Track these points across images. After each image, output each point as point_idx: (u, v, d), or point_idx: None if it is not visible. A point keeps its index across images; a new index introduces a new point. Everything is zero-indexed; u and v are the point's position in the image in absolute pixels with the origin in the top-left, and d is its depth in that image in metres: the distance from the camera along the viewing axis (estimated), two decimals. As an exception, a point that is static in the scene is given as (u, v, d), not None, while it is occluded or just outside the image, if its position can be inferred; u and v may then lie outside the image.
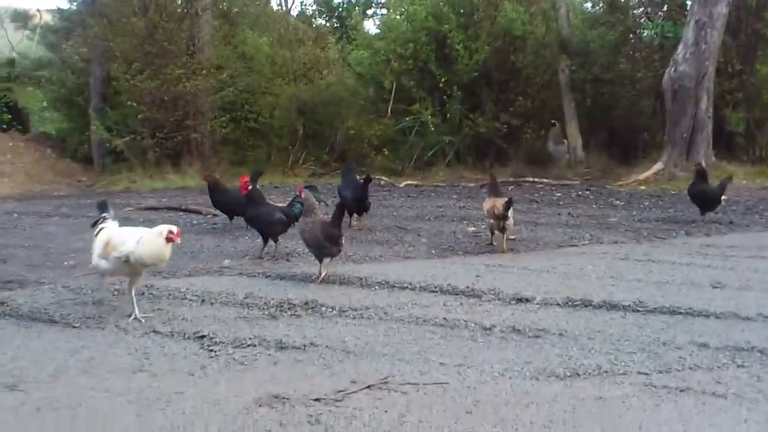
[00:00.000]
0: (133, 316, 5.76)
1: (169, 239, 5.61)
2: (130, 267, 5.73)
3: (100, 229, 6.07)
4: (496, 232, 8.44)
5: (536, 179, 14.88)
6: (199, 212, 11.53)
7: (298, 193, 7.68)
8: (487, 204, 8.45)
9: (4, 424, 4.02)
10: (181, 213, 11.81)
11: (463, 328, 5.67)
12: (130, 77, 15.89)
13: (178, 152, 16.80)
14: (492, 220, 8.31)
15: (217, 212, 10.49)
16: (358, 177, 10.35)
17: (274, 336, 5.42)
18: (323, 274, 7.07)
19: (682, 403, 4.30)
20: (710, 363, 4.92)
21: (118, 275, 6.10)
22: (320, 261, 7.14)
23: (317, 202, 7.57)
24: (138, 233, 5.82)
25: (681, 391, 4.48)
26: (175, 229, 5.64)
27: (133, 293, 5.89)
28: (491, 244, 8.77)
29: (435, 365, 4.89)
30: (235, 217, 9.91)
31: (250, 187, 8.22)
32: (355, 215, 10.03)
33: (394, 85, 17.24)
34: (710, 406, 4.26)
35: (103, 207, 6.31)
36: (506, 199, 8.21)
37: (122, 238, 5.76)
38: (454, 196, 13.00)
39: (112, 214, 6.22)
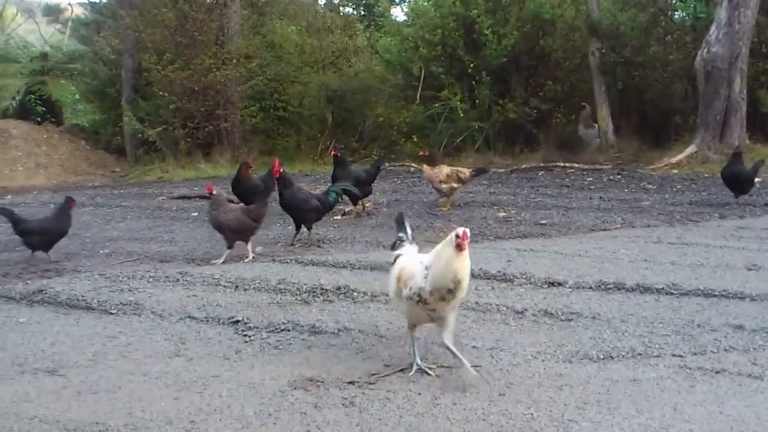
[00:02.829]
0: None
1: (458, 247, 4.08)
2: (428, 309, 4.27)
3: (396, 257, 4.70)
4: (448, 196, 10.13)
5: (567, 164, 14.74)
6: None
7: (207, 192, 7.83)
8: (444, 170, 10.03)
9: (45, 408, 4.12)
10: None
11: (495, 312, 5.68)
12: (162, 68, 16.02)
13: (209, 142, 16.91)
14: (454, 184, 10.02)
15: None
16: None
17: (308, 321, 5.47)
18: (252, 253, 7.56)
19: (717, 385, 4.27)
20: (746, 345, 4.87)
21: (420, 323, 4.51)
22: (246, 242, 7.57)
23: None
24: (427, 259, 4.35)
25: (716, 372, 4.45)
26: (461, 231, 4.10)
27: (449, 343, 4.38)
28: (438, 206, 10.24)
29: (468, 348, 4.90)
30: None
31: (282, 170, 8.24)
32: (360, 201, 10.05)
33: (423, 71, 17.16)
34: (746, 387, 4.23)
35: (400, 224, 5.01)
36: (479, 167, 10.64)
37: (412, 270, 4.34)
38: (484, 182, 12.93)
39: (410, 235, 4.91)
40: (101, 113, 19.72)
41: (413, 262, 4.39)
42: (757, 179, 10.74)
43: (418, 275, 4.23)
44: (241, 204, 8.63)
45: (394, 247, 4.89)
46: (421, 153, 10.92)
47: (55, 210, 8.30)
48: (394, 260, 4.69)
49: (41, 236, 7.79)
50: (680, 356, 4.70)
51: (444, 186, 10.06)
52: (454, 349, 4.36)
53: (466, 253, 4.09)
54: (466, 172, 10.16)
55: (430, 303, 4.20)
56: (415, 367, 4.48)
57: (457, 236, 4.06)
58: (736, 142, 13.59)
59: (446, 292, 4.12)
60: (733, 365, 4.54)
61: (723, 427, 3.72)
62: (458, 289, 4.12)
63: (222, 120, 16.75)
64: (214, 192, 7.67)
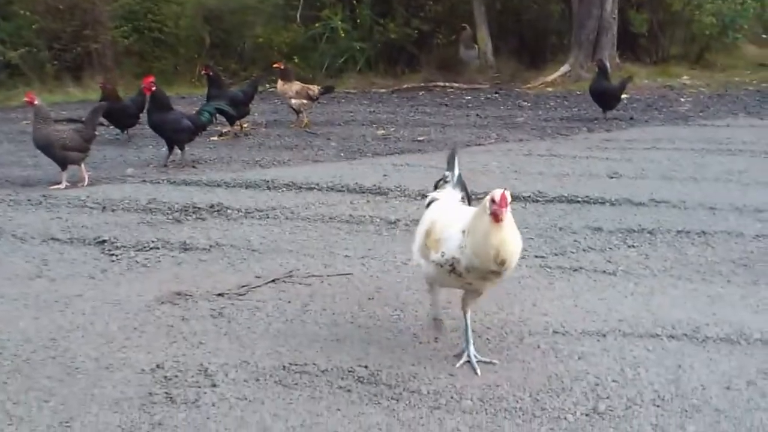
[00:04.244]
0: (464, 358, 3.45)
1: (494, 216, 3.00)
2: (463, 281, 3.30)
3: (431, 201, 3.72)
4: (298, 112, 10.34)
5: (447, 83, 14.89)
6: (101, 124, 11.06)
7: (27, 101, 7.20)
8: (294, 86, 10.18)
9: None
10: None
11: (368, 224, 5.74)
12: (22, -15, 14.91)
13: (79, 65, 15.98)
14: (304, 100, 10.19)
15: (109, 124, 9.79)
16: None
17: (178, 238, 5.36)
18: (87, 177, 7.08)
19: (574, 281, 4.51)
20: (602, 245, 5.15)
21: (450, 287, 3.54)
22: (79, 165, 7.09)
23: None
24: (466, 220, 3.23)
25: (574, 270, 4.69)
26: (498, 194, 3.00)
27: (467, 318, 3.54)
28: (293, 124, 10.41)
29: (340, 258, 4.96)
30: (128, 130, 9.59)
31: (154, 89, 7.86)
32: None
33: (303, -10, 16.74)
34: (600, 282, 4.48)
35: (450, 159, 3.86)
36: (327, 86, 10.74)
37: (448, 230, 3.26)
38: (365, 102, 12.91)
39: (457, 176, 3.76)
40: (-44, 34, 18.19)
41: (450, 219, 3.31)
42: (624, 95, 11.18)
43: (453, 241, 3.17)
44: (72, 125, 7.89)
45: (436, 186, 3.87)
46: (275, 66, 10.75)
47: None
48: (428, 204, 3.70)
49: None
50: (542, 257, 4.92)
51: (294, 102, 10.22)
52: (469, 326, 3.51)
53: (507, 223, 3.02)
54: (315, 89, 10.36)
55: (466, 278, 3.22)
56: (429, 318, 3.78)
57: (493, 201, 2.99)
58: (605, 61, 14.07)
59: (489, 273, 3.12)
60: (590, 263, 4.80)
61: (576, 318, 3.94)
62: (505, 269, 3.10)
63: (91, 41, 15.81)
64: (36, 102, 7.04)
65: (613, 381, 3.24)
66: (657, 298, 4.18)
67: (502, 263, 3.05)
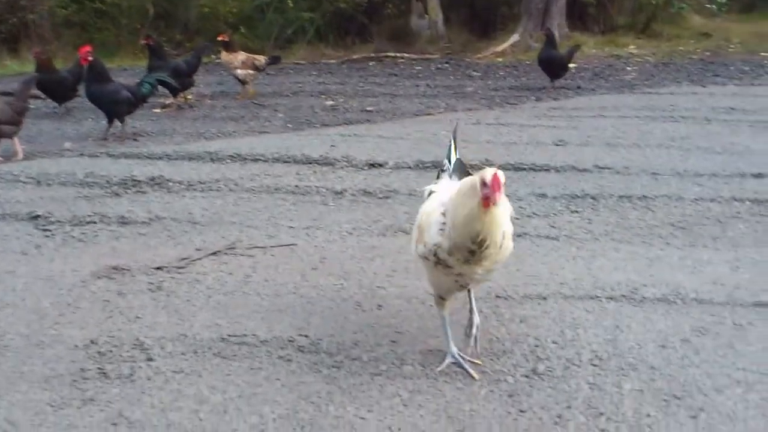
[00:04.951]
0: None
1: (485, 200, 2.60)
2: (453, 274, 2.89)
3: (430, 193, 3.23)
4: (243, 82, 10.22)
5: (397, 54, 14.81)
6: (37, 96, 10.71)
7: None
8: (239, 56, 10.08)
9: None
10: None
11: (314, 194, 5.67)
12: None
13: (15, 36, 15.48)
14: (250, 71, 10.09)
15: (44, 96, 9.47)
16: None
17: (117, 212, 5.22)
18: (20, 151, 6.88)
19: (517, 247, 4.43)
20: (546, 210, 5.18)
21: (450, 292, 3.08)
22: (12, 138, 6.83)
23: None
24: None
25: (518, 236, 4.63)
26: (489, 175, 2.58)
27: (475, 316, 3.19)
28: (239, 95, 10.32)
29: (284, 229, 4.89)
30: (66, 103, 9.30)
31: (91, 59, 7.60)
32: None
33: (250, -42, 16.40)
34: (543, 247, 4.50)
35: (452, 142, 3.44)
36: (273, 55, 10.83)
37: (428, 219, 2.93)
38: (314, 73, 12.77)
39: (454, 163, 3.31)
40: None
41: (432, 206, 2.98)
42: (572, 64, 11.24)
43: (434, 226, 2.85)
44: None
45: (438, 176, 3.37)
46: (219, 38, 10.53)
47: None
48: (429, 194, 3.23)
49: None
50: (486, 224, 4.91)
51: (240, 72, 10.09)
52: (476, 325, 3.16)
53: (497, 209, 2.66)
54: (261, 59, 10.27)
55: (453, 266, 2.83)
56: (448, 359, 3.08)
57: (484, 183, 2.59)
58: (554, 30, 14.12)
59: (467, 252, 2.74)
60: (533, 229, 4.82)
61: (518, 283, 3.94)
62: (484, 248, 2.72)
63: (27, 12, 15.30)
64: None
65: (553, 342, 3.26)
66: (598, 262, 4.21)
67: (482, 242, 2.68)
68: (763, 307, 3.57)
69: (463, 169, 3.28)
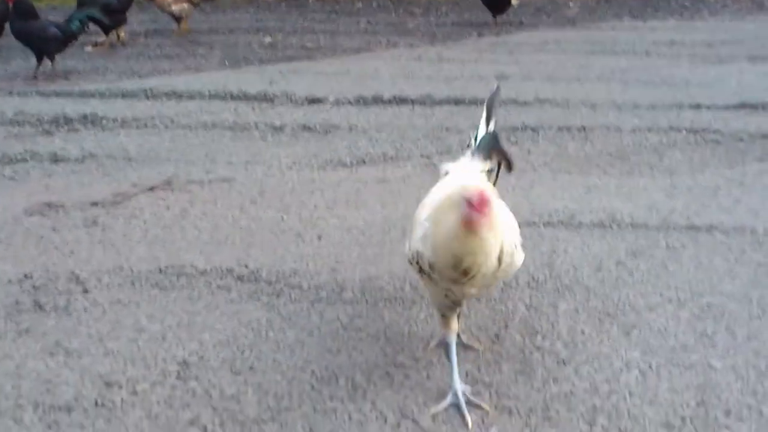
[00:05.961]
0: (449, 400, 2.36)
1: (466, 223, 2.00)
2: (438, 288, 2.29)
3: (446, 173, 2.55)
4: (179, 19, 9.94)
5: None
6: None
7: None
8: None
9: None
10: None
11: (253, 130, 5.58)
12: None
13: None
14: (185, 5, 9.81)
15: None
16: None
17: (49, 150, 5.07)
18: None
19: (458, 178, 4.53)
20: (486, 142, 5.19)
21: (445, 308, 2.41)
22: None
23: None
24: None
25: (458, 167, 4.71)
26: (474, 193, 1.97)
27: (451, 340, 2.44)
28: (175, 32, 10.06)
29: (222, 165, 4.81)
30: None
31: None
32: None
33: None
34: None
35: (487, 111, 2.69)
36: None
37: (418, 216, 2.32)
38: (252, 10, 12.47)
39: (483, 138, 2.59)
40: None
41: (427, 201, 2.35)
42: (514, 0, 11.18)
43: (418, 229, 2.26)
44: None
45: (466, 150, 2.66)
46: None
47: None
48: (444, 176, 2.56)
49: None
50: (427, 157, 4.92)
51: (175, 8, 9.85)
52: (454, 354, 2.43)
53: (484, 231, 2.03)
54: None
55: (438, 281, 2.23)
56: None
57: (470, 203, 1.98)
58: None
59: (451, 270, 2.13)
60: (474, 160, 4.83)
61: (458, 212, 3.96)
62: (468, 278, 2.13)
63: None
64: None
65: (491, 267, 3.30)
66: (536, 190, 4.27)
67: (465, 273, 2.11)
68: (696, 230, 3.68)
69: (493, 146, 2.54)
